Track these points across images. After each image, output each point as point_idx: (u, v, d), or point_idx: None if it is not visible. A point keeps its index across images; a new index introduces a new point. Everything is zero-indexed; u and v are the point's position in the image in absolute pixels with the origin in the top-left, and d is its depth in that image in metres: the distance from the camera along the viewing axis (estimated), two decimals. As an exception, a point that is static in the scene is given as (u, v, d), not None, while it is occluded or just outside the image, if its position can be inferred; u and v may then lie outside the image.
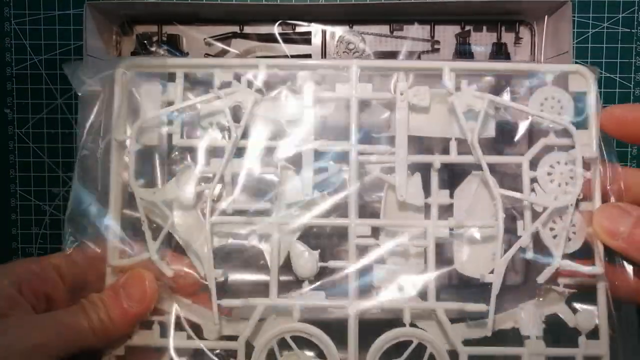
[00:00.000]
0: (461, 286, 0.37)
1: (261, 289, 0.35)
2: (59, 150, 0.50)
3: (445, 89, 0.36)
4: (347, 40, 0.49)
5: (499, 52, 0.48)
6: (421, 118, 0.37)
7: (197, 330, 0.34)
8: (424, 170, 0.37)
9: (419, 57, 0.49)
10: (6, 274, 0.31)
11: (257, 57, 0.49)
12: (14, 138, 0.50)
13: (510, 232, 0.35)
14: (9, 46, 0.50)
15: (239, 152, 0.36)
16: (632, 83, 0.50)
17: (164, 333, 0.34)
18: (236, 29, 0.49)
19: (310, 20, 0.49)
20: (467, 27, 0.49)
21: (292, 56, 0.49)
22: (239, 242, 0.36)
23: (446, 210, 0.37)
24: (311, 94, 0.36)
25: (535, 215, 0.35)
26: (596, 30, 0.50)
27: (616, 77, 0.50)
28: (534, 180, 0.35)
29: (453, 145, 0.36)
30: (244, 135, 0.36)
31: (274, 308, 0.34)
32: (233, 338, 0.34)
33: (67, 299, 0.33)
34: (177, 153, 0.37)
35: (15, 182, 0.51)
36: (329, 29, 0.49)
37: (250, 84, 0.36)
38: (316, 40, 0.49)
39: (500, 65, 0.39)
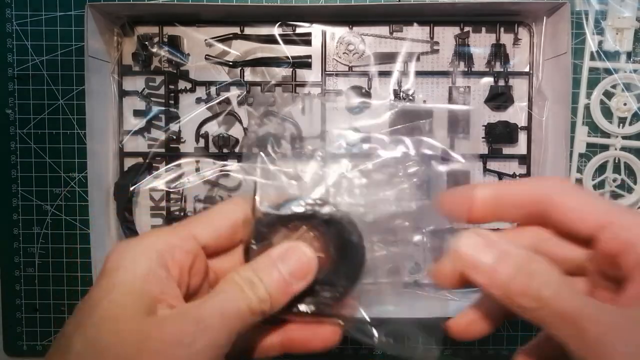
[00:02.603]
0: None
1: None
2: (60, 150, 0.50)
3: None
4: (347, 41, 0.49)
5: (498, 52, 0.49)
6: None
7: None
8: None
9: (418, 59, 0.49)
10: (146, 251, 0.27)
11: (258, 58, 0.49)
12: (15, 138, 0.50)
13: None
14: (10, 47, 0.50)
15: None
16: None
17: None
18: (237, 30, 0.49)
19: (310, 22, 0.49)
20: (466, 28, 0.49)
21: (293, 57, 0.49)
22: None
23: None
24: None
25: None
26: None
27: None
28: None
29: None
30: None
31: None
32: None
33: (207, 271, 0.30)
34: None
35: (17, 182, 0.51)
36: (329, 30, 0.49)
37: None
38: (316, 41, 0.49)
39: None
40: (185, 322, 0.25)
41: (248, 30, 0.49)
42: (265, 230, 0.30)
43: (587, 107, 0.49)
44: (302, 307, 0.30)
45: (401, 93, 0.49)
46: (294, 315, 0.30)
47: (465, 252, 0.27)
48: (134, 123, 0.50)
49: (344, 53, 0.49)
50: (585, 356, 0.24)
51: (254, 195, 0.31)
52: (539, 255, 0.27)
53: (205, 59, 0.49)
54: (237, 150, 0.50)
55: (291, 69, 0.49)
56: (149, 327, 0.25)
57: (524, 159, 0.49)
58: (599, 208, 0.27)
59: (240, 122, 0.50)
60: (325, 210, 0.31)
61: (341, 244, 0.31)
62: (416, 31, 0.49)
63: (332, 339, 0.30)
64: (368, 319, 0.31)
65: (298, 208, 0.31)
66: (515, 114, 0.49)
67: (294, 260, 0.29)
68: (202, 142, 0.50)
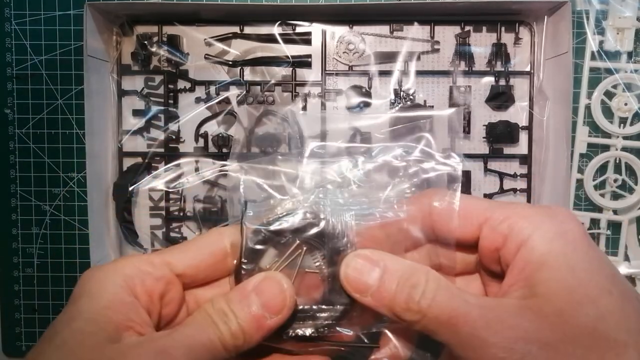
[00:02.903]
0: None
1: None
2: (59, 150, 0.50)
3: None
4: (347, 40, 0.49)
5: (499, 52, 0.48)
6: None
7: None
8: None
9: (418, 58, 0.49)
10: (115, 278, 0.26)
11: (257, 57, 0.49)
12: (14, 138, 0.50)
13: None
14: (9, 46, 0.50)
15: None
16: None
17: None
18: (236, 29, 0.49)
19: (310, 21, 0.49)
20: (467, 28, 0.49)
21: (293, 56, 0.49)
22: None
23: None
24: None
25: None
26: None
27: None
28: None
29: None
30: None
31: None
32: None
33: (182, 301, 0.29)
34: None
35: (15, 182, 0.51)
36: (329, 29, 0.49)
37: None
38: (316, 40, 0.49)
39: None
40: (148, 352, 0.24)
41: (248, 30, 0.49)
42: (256, 248, 0.29)
43: (587, 107, 0.49)
44: (299, 331, 0.29)
45: (401, 92, 0.49)
46: (290, 341, 0.29)
47: (352, 277, 0.27)
48: (133, 123, 0.50)
49: (344, 52, 0.49)
50: (465, 354, 0.24)
51: (243, 213, 0.30)
52: (424, 265, 0.27)
53: (205, 58, 0.49)
54: (236, 150, 0.50)
55: (291, 69, 0.49)
56: (111, 355, 0.24)
57: (525, 159, 0.49)
58: (476, 208, 0.28)
59: (240, 122, 0.49)
60: (317, 222, 0.29)
61: (337, 257, 0.29)
62: (417, 30, 0.49)
63: None
64: (366, 341, 0.30)
65: (289, 223, 0.29)
66: (516, 114, 0.49)
67: (269, 293, 0.27)
68: (201, 142, 0.50)
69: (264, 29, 0.49)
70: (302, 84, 0.49)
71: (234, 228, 0.30)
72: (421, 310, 0.25)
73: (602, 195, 0.49)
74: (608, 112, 0.49)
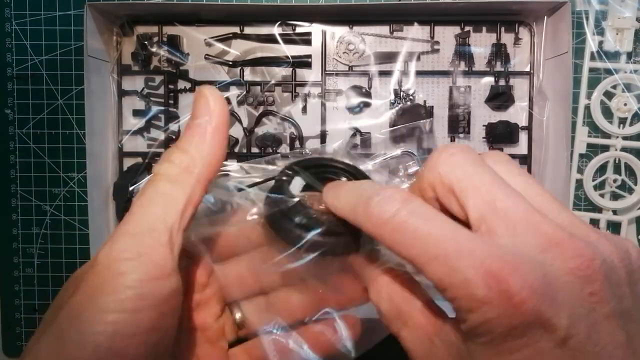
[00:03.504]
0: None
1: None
2: (59, 150, 0.50)
3: None
4: (347, 40, 0.49)
5: (499, 52, 0.49)
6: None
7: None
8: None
9: (418, 58, 0.49)
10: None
11: (257, 57, 0.49)
12: (14, 138, 0.50)
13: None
14: (9, 47, 0.50)
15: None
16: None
17: None
18: (236, 29, 0.49)
19: (310, 21, 0.49)
20: (467, 28, 0.49)
21: (293, 57, 0.49)
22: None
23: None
24: None
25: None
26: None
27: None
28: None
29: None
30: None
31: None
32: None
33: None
34: None
35: (16, 183, 0.51)
36: (329, 29, 0.49)
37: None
38: (316, 40, 0.49)
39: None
40: (116, 230, 0.23)
41: (248, 30, 0.49)
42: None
43: (587, 108, 0.49)
44: (310, 235, 0.26)
45: (401, 93, 0.49)
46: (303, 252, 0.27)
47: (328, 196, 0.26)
48: (133, 123, 0.50)
49: (344, 53, 0.49)
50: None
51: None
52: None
53: (205, 58, 0.49)
54: (236, 150, 0.50)
55: (291, 69, 0.49)
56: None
57: (525, 159, 0.49)
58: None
59: (240, 121, 0.49)
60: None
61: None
62: (416, 31, 0.49)
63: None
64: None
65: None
66: (516, 114, 0.49)
67: (198, 103, 0.26)
68: (201, 142, 0.50)
69: (264, 29, 0.49)
70: (302, 84, 0.49)
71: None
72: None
73: (602, 195, 0.49)
74: (607, 113, 0.49)
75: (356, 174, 0.30)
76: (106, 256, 0.22)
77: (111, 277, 0.22)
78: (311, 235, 0.27)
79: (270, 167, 0.35)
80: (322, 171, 0.31)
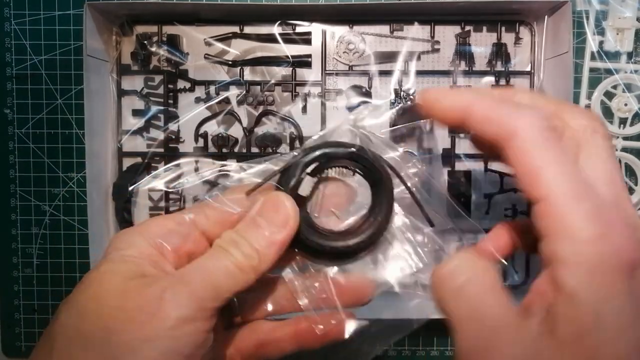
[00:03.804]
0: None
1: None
2: (58, 150, 0.50)
3: None
4: (347, 40, 0.49)
5: (499, 52, 0.48)
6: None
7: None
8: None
9: (418, 58, 0.49)
10: (142, 234, 0.28)
11: (257, 57, 0.49)
12: (14, 138, 0.50)
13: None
14: (8, 46, 0.50)
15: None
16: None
17: None
18: (236, 29, 0.49)
19: (310, 21, 0.49)
20: (467, 28, 0.49)
21: (293, 56, 0.49)
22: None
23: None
24: None
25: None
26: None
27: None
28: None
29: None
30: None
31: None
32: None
33: None
34: None
35: (15, 182, 0.50)
36: (329, 29, 0.49)
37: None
38: (316, 40, 0.49)
39: None
40: (166, 280, 0.26)
41: (247, 29, 0.49)
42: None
43: (587, 108, 0.49)
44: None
45: (402, 92, 0.49)
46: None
47: (429, 97, 0.27)
48: (132, 123, 0.50)
49: (344, 52, 0.49)
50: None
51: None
52: None
53: (205, 58, 0.49)
54: (236, 150, 0.50)
55: (291, 68, 0.49)
56: (133, 286, 0.25)
57: (525, 159, 0.49)
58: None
59: (240, 121, 0.49)
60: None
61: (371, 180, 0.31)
62: (417, 30, 0.49)
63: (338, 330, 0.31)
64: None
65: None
66: (516, 114, 0.49)
67: (271, 211, 0.29)
68: (201, 142, 0.49)
69: (264, 29, 0.49)
70: (302, 84, 0.49)
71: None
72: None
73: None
74: (608, 113, 0.49)
75: (370, 164, 0.31)
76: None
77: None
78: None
79: (263, 165, 0.35)
80: (329, 161, 0.31)
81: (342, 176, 0.32)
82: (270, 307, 0.32)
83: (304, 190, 0.30)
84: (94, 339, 0.24)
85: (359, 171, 0.31)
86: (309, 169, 0.31)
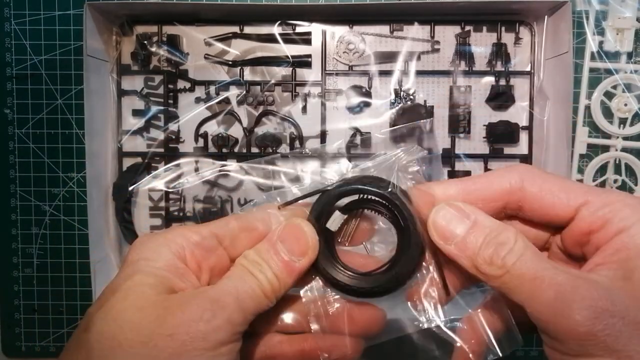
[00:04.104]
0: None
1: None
2: (59, 150, 0.50)
3: None
4: (347, 40, 0.49)
5: (499, 52, 0.48)
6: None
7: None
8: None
9: (418, 58, 0.49)
10: (168, 246, 0.28)
11: (257, 57, 0.49)
12: (14, 138, 0.50)
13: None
14: (9, 46, 0.50)
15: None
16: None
17: None
18: (236, 29, 0.49)
19: (310, 21, 0.49)
20: (467, 28, 0.49)
21: (293, 56, 0.49)
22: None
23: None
24: None
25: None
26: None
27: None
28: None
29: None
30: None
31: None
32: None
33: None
34: None
35: (15, 183, 0.50)
36: (329, 29, 0.49)
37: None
38: (316, 40, 0.49)
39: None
40: (205, 300, 0.27)
41: (247, 30, 0.49)
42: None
43: (587, 108, 0.48)
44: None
45: (402, 92, 0.49)
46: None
47: (440, 224, 0.28)
48: (132, 123, 0.50)
49: (344, 52, 0.49)
50: (543, 317, 0.25)
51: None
52: (509, 225, 0.28)
53: (205, 58, 0.49)
54: (236, 150, 0.50)
55: (291, 68, 0.49)
56: (170, 303, 0.26)
57: (526, 159, 0.49)
58: (575, 190, 0.28)
59: (240, 121, 0.49)
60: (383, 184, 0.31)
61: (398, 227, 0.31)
62: (417, 30, 0.49)
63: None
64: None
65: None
66: (517, 114, 0.49)
67: (292, 238, 0.30)
68: (201, 142, 0.49)
69: (264, 29, 0.49)
70: (302, 84, 0.49)
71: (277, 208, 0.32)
72: (505, 266, 0.26)
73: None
74: (608, 113, 0.49)
75: (399, 212, 0.30)
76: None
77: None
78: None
79: (270, 167, 0.35)
80: (361, 203, 0.32)
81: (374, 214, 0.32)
82: (281, 322, 0.32)
83: (333, 225, 0.31)
84: (133, 351, 0.25)
85: (388, 215, 0.31)
86: (340, 202, 0.31)
